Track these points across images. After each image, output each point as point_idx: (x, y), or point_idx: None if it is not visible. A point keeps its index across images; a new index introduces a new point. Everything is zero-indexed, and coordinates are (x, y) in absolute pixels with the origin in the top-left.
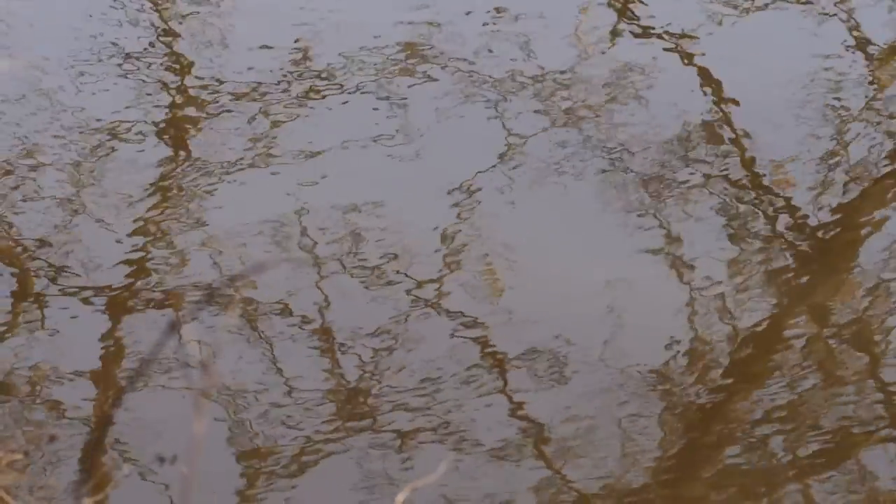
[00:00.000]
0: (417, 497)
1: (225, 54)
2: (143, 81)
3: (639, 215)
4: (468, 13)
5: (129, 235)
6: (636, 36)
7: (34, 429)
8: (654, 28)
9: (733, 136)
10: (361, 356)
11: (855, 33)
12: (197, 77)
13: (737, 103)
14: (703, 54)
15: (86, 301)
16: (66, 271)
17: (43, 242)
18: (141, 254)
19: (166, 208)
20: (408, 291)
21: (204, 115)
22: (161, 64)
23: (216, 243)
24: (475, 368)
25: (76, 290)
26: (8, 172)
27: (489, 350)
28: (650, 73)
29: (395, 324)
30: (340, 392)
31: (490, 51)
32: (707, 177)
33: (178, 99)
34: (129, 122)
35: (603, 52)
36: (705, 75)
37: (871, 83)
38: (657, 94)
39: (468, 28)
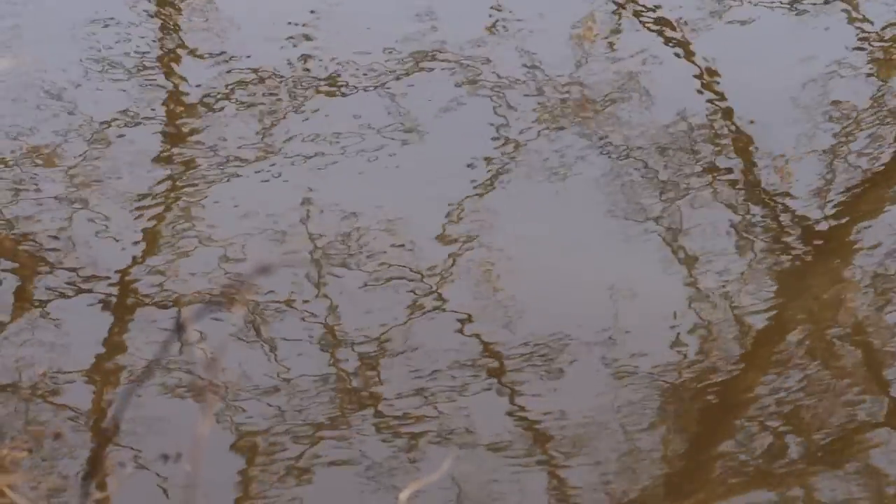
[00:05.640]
0: (420, 496)
1: (227, 53)
2: (145, 80)
3: (640, 213)
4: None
5: (132, 235)
6: (637, 32)
7: (39, 427)
8: (654, 24)
9: (734, 133)
10: (363, 355)
11: (858, 27)
12: (201, 78)
13: (737, 100)
14: (705, 50)
15: (90, 300)
16: (69, 271)
17: (47, 253)
18: (145, 254)
19: (169, 208)
20: (409, 290)
21: (206, 114)
22: (163, 63)
23: (219, 243)
24: (477, 367)
25: (80, 289)
26: (10, 171)
27: (491, 348)
28: (651, 70)
29: (396, 323)
30: (343, 391)
31: (488, 56)
32: (708, 174)
33: (180, 99)
34: (130, 121)
35: (604, 49)
36: (706, 71)
37: (873, 78)
38: (658, 90)
39: (470, 26)
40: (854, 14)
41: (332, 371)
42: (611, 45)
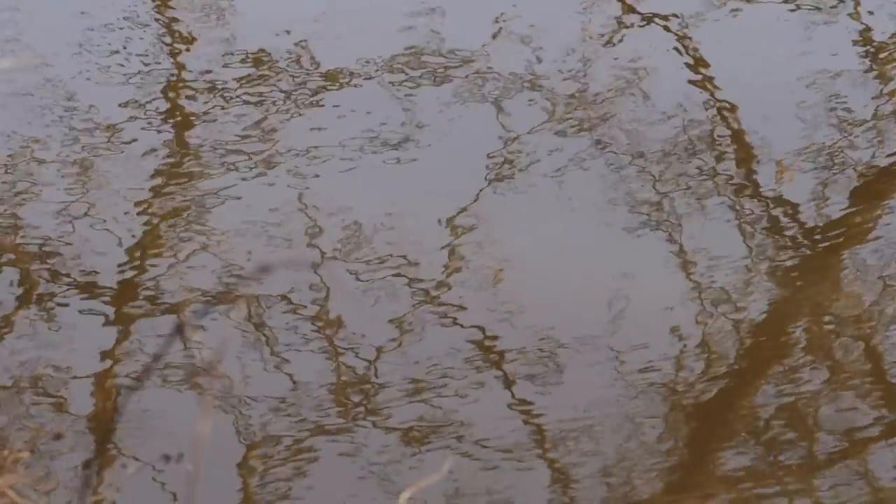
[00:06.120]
0: (421, 497)
1: (228, 53)
2: (146, 80)
3: (641, 213)
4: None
5: (133, 233)
6: (639, 31)
7: (40, 427)
8: (655, 26)
9: (735, 132)
10: (364, 356)
11: (859, 27)
12: (201, 76)
13: (738, 101)
14: (707, 49)
15: (91, 300)
16: (70, 270)
17: (47, 252)
18: (146, 253)
19: (170, 206)
20: (411, 290)
21: (207, 113)
22: (164, 63)
23: (220, 242)
24: (478, 367)
25: (81, 289)
26: (11, 171)
27: (492, 349)
28: (653, 69)
29: (398, 323)
30: (344, 392)
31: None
32: (709, 174)
33: (182, 98)
34: (131, 121)
35: (606, 48)
36: (707, 72)
37: (874, 78)
38: (660, 89)
39: (471, 28)
40: (857, 12)
41: (332, 370)
42: (613, 43)
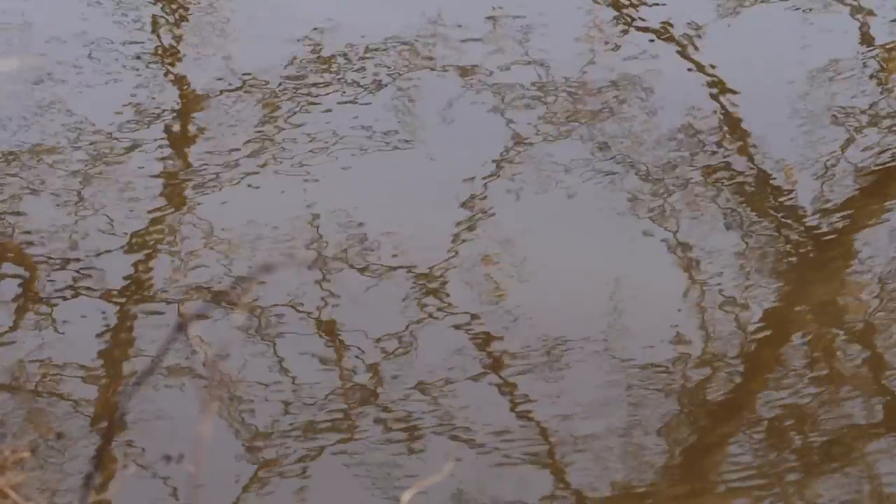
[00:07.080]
0: (422, 497)
1: (230, 54)
2: (149, 81)
3: (642, 213)
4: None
5: (136, 234)
6: (639, 33)
7: (41, 427)
8: (657, 26)
9: (736, 133)
10: (366, 355)
11: (860, 28)
12: (203, 77)
13: (740, 100)
14: (707, 51)
15: (93, 300)
16: (72, 270)
17: (49, 251)
18: (148, 253)
19: (173, 207)
20: (413, 291)
21: (210, 114)
22: (166, 64)
23: (223, 243)
24: (480, 368)
25: (83, 288)
26: (13, 170)
27: (494, 349)
28: (653, 71)
29: (399, 323)
30: (345, 392)
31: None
32: (710, 174)
33: (184, 99)
34: (134, 120)
35: (606, 50)
36: (708, 72)
37: (875, 79)
38: (660, 91)
39: (473, 28)
40: (858, 13)
41: (333, 371)
42: (613, 45)
